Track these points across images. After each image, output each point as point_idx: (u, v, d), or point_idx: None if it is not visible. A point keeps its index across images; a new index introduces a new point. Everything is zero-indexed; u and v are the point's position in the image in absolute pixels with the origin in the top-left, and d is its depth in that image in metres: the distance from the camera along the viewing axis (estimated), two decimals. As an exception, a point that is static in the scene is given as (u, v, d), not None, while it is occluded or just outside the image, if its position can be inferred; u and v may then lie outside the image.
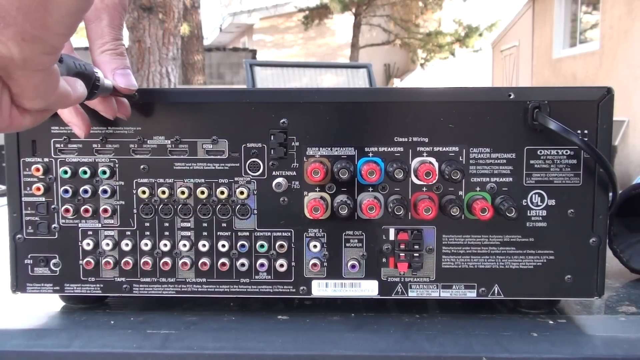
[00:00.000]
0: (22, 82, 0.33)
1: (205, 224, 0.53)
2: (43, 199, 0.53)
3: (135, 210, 0.53)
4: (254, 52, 10.39)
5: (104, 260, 0.53)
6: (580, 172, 0.52)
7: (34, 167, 0.52)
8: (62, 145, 0.53)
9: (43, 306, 0.56)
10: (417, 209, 0.51)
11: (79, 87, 0.39)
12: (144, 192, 0.53)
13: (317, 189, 0.52)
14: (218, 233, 0.53)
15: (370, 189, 0.52)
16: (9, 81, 0.33)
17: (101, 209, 0.53)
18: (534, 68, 8.24)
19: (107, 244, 0.53)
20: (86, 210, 0.53)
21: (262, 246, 0.53)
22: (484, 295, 0.53)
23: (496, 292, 0.53)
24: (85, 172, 0.52)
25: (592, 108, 0.51)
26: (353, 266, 0.52)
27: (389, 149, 0.52)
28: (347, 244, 0.53)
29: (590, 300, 0.58)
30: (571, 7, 7.50)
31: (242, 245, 0.53)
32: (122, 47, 0.47)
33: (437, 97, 0.52)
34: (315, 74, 2.96)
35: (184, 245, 0.53)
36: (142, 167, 0.53)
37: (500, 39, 10.10)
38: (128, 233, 0.53)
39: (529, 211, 0.52)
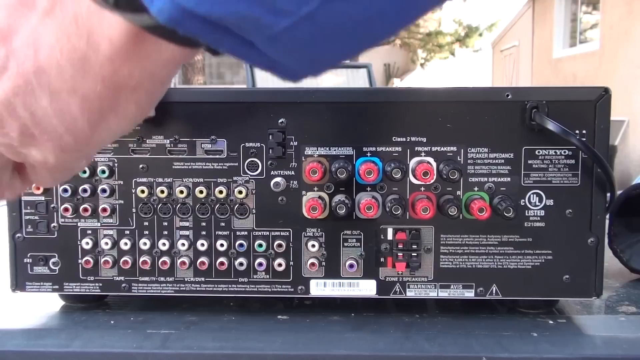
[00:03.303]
0: (44, 175, 0.32)
1: (204, 223, 0.53)
2: (42, 198, 0.53)
3: (134, 210, 0.53)
4: (254, 52, 10.36)
5: (103, 259, 0.53)
6: (578, 172, 0.52)
7: (33, 166, 0.52)
8: (61, 145, 0.53)
9: (43, 306, 0.56)
10: (415, 209, 0.51)
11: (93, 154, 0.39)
12: (142, 192, 0.53)
13: (315, 189, 0.52)
14: (217, 232, 0.53)
15: (369, 189, 0.52)
16: (30, 171, 0.32)
17: (100, 208, 0.53)
18: (534, 68, 8.24)
19: (106, 243, 0.53)
20: (85, 210, 0.53)
21: (260, 245, 0.53)
22: (482, 295, 0.53)
23: (494, 292, 0.53)
24: (84, 171, 0.52)
25: (590, 108, 0.51)
26: (351, 266, 0.52)
27: (387, 149, 0.52)
28: (345, 244, 0.53)
29: (590, 300, 0.58)
30: (571, 7, 7.50)
31: (241, 245, 0.53)
32: None
33: (435, 97, 0.52)
34: (315, 74, 2.96)
35: (183, 244, 0.53)
36: (141, 166, 0.53)
37: (500, 39, 10.10)
38: (127, 232, 0.54)
39: (527, 211, 0.52)
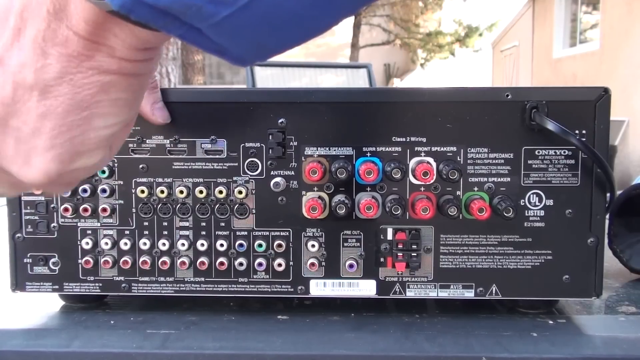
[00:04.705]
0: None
1: (203, 224, 0.53)
2: (42, 198, 0.53)
3: (134, 210, 0.53)
4: (254, 52, 10.36)
5: (102, 260, 0.53)
6: (578, 172, 0.52)
7: (33, 166, 0.52)
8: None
9: (42, 306, 0.56)
10: (415, 209, 0.51)
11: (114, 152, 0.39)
12: (142, 192, 0.53)
13: (315, 189, 0.52)
14: (216, 232, 0.53)
15: (368, 189, 0.52)
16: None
17: (100, 208, 0.53)
18: (534, 68, 8.24)
19: (106, 243, 0.53)
20: (85, 210, 0.53)
21: (260, 245, 0.53)
22: (482, 295, 0.53)
23: (494, 292, 0.53)
24: (84, 172, 0.52)
25: (590, 108, 0.51)
26: (351, 266, 0.52)
27: (387, 149, 0.52)
28: (345, 244, 0.53)
29: (590, 300, 0.58)
30: (571, 7, 7.50)
31: (241, 245, 0.53)
32: (156, 79, 0.48)
33: (434, 97, 0.52)
34: (315, 74, 2.96)
35: (183, 244, 0.53)
36: (141, 166, 0.53)
37: (500, 39, 10.11)
38: (127, 232, 0.54)
39: (526, 211, 0.52)
